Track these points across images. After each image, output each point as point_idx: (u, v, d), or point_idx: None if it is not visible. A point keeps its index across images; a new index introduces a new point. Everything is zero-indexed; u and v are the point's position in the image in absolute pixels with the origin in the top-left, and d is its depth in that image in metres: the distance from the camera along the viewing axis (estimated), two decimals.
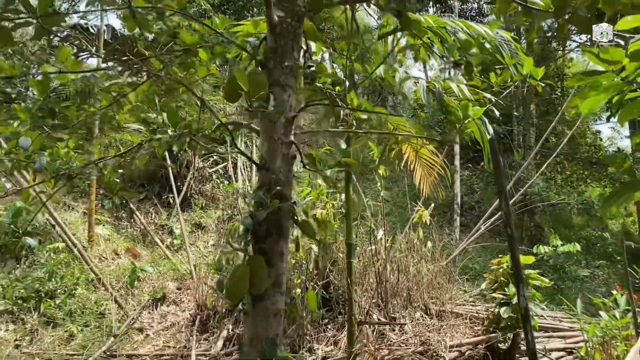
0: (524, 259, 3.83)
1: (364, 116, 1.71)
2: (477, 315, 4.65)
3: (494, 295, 3.83)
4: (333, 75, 1.82)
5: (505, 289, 3.69)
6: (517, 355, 3.93)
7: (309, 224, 1.79)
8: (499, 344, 3.86)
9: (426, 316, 4.69)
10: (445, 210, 10.74)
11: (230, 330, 4.03)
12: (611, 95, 1.32)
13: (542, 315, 5.13)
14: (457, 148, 9.93)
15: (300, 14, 1.46)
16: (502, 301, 3.69)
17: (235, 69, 1.49)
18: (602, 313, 4.66)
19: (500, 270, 3.91)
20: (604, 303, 5.01)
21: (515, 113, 11.37)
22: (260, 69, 1.58)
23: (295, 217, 1.59)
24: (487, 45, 2.25)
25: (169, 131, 1.45)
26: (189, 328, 4.32)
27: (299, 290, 4.20)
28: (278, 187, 1.47)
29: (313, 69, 1.68)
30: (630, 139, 11.65)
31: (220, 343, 3.78)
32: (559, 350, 4.51)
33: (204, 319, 4.27)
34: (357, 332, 3.45)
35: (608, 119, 8.25)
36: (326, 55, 2.53)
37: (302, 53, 1.65)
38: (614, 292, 5.15)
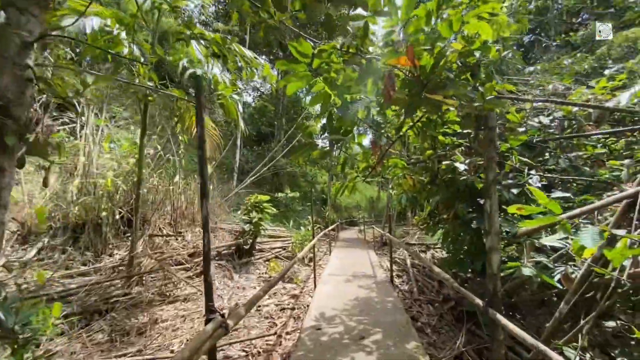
0: (263, 198, 7.03)
1: None
2: (236, 229, 7.63)
3: (243, 217, 6.77)
4: None
5: (250, 214, 6.68)
6: (253, 251, 7.12)
7: (39, 145, 2.00)
8: (244, 245, 6.72)
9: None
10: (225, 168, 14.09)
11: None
12: (307, 83, 2.19)
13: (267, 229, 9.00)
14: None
15: None
16: (245, 221, 6.64)
17: None
18: (302, 228, 8.97)
19: (249, 203, 6.91)
20: (304, 223, 9.55)
21: None
22: None
23: (24, 137, 1.65)
24: None
25: None
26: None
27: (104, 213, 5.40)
28: (1, 103, 1.50)
29: None
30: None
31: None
32: (278, 247, 8.25)
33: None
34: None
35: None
36: None
37: None
38: (309, 217, 9.82)
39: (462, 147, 3.98)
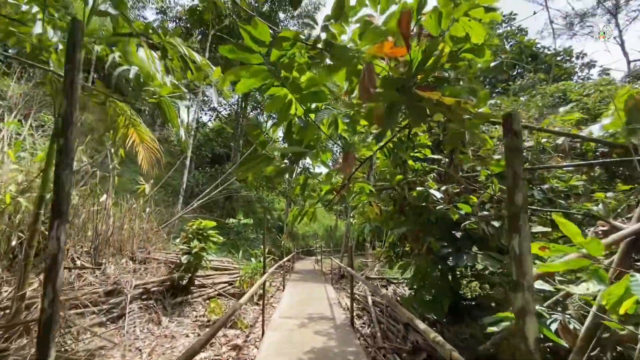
0: (208, 224, 6.09)
1: None
2: (173, 261, 6.46)
3: (181, 246, 5.73)
4: None
5: (191, 243, 5.68)
6: (192, 287, 5.99)
7: None
8: (180, 281, 5.54)
9: (131, 262, 5.89)
10: (171, 190, 12.84)
11: None
12: (262, 82, 1.66)
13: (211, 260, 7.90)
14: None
15: None
16: (184, 251, 5.61)
17: None
18: (252, 259, 8.00)
19: (190, 230, 5.92)
20: (255, 254, 8.58)
21: None
22: None
23: None
24: None
25: None
26: None
27: None
28: None
29: None
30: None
31: None
32: (223, 282, 7.13)
33: None
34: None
35: None
36: None
37: None
38: (262, 246, 8.89)
39: (434, 174, 3.66)
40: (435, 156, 3.51)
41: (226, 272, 7.92)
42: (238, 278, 7.34)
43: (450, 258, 2.87)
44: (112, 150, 6.45)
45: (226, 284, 7.05)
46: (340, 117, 2.23)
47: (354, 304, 6.34)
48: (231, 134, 18.41)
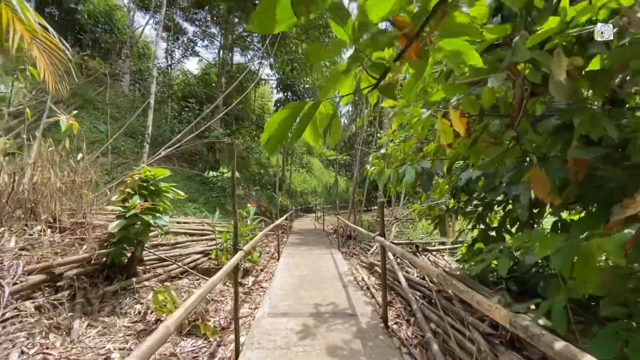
0: (159, 172, 4.04)
1: None
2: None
3: (117, 207, 3.72)
4: None
5: (130, 201, 3.65)
6: (138, 267, 4.01)
7: None
8: (116, 260, 3.55)
9: (49, 230, 3.96)
10: (140, 139, 10.72)
11: None
12: None
13: (185, 222, 5.98)
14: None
15: None
16: (119, 214, 3.57)
17: None
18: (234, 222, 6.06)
19: (131, 181, 3.86)
20: (243, 215, 6.66)
21: None
22: None
23: None
24: None
25: None
26: None
27: None
28: None
29: None
30: None
31: None
32: (197, 253, 5.14)
33: None
34: None
35: None
36: None
37: None
38: (249, 205, 6.95)
39: None
40: None
41: (204, 238, 6.09)
42: (216, 247, 5.51)
43: None
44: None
45: (201, 256, 5.22)
46: None
47: (373, 279, 4.59)
48: (215, 82, 15.66)
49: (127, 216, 3.41)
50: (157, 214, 3.68)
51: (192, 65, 49.98)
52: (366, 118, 10.97)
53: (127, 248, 3.68)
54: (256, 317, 3.09)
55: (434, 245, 5.45)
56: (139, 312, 3.26)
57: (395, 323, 3.19)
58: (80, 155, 4.91)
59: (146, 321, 3.08)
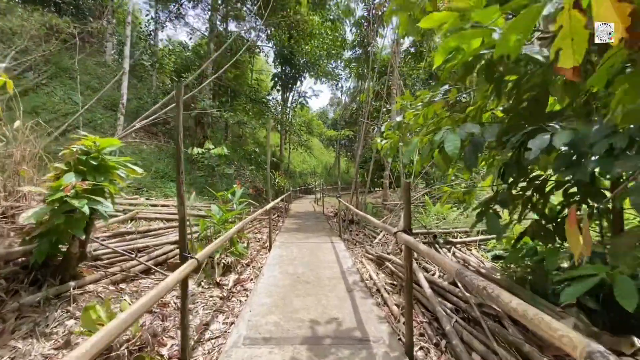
0: (105, 143, 3.05)
1: None
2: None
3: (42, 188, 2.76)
4: None
5: (63, 180, 2.70)
6: (79, 266, 3.14)
7: None
8: (47, 255, 2.67)
9: None
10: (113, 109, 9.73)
11: None
12: None
13: (163, 205, 5.02)
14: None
15: None
16: (47, 198, 2.64)
17: None
18: (214, 206, 5.07)
19: (66, 155, 2.87)
20: (223, 195, 5.62)
21: None
22: None
23: None
24: None
25: None
26: None
27: None
28: None
29: None
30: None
31: None
32: (169, 244, 4.32)
33: None
34: None
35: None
36: None
37: None
38: (235, 185, 5.97)
39: None
40: None
41: (173, 224, 5.17)
42: (193, 235, 4.66)
43: None
44: None
45: (175, 246, 4.33)
46: None
47: (382, 276, 3.65)
48: (206, 51, 14.28)
49: (48, 200, 2.45)
50: (97, 198, 2.72)
51: (183, 38, 47.52)
52: (372, 90, 9.82)
53: (61, 243, 2.75)
54: (227, 343, 2.19)
55: (456, 236, 4.53)
56: (70, 332, 2.37)
57: (421, 348, 2.32)
58: (17, 123, 3.91)
59: (71, 349, 2.19)
